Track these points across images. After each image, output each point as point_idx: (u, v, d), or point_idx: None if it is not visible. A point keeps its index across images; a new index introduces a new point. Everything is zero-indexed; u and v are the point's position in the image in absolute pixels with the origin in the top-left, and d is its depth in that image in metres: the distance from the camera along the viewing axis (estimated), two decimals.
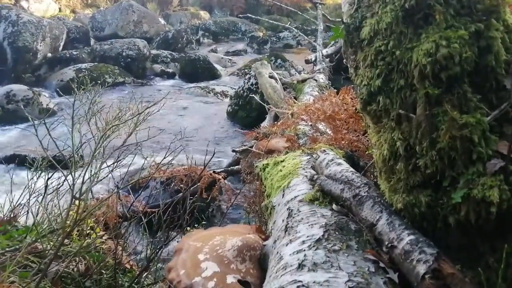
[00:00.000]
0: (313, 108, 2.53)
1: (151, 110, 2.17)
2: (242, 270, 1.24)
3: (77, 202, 1.66)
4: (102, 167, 1.86)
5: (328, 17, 8.56)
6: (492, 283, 0.88)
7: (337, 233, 1.10)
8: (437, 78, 0.92)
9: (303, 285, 0.91)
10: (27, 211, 2.01)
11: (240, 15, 14.44)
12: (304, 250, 1.05)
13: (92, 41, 11.07)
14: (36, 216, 1.84)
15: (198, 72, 8.90)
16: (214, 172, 3.00)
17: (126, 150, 2.09)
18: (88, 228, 2.00)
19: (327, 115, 2.36)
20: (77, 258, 1.67)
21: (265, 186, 1.78)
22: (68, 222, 1.69)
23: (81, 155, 1.93)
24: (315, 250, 1.04)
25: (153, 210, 2.17)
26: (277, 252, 1.15)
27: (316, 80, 4.85)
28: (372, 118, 1.11)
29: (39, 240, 1.60)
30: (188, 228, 2.20)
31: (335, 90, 3.27)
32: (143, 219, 2.05)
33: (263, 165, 1.89)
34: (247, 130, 3.34)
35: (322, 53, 6.28)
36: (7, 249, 1.58)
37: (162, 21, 12.85)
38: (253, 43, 12.49)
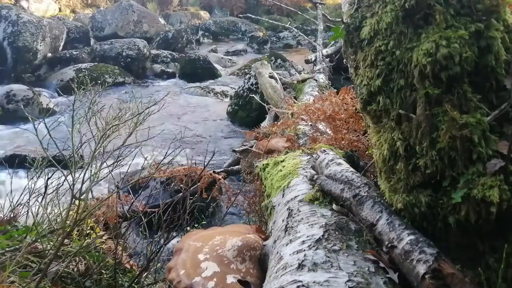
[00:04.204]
0: (313, 108, 2.53)
1: (151, 110, 2.17)
2: (242, 270, 1.24)
3: (77, 202, 1.66)
4: (102, 167, 1.86)
5: (328, 17, 8.56)
6: (492, 283, 0.88)
7: (337, 233, 1.10)
8: (437, 78, 0.92)
9: (303, 285, 0.91)
10: (27, 211, 2.01)
11: (240, 15, 14.44)
12: (304, 250, 1.05)
13: (92, 41, 11.07)
14: (36, 216, 1.84)
15: (198, 72, 8.90)
16: (214, 172, 3.00)
17: (126, 150, 2.09)
18: (88, 228, 2.00)
19: (327, 115, 2.36)
20: (77, 258, 1.67)
21: (265, 186, 1.78)
22: (68, 222, 1.69)
23: (81, 155, 1.93)
24: (315, 250, 1.04)
25: (153, 210, 2.17)
26: (277, 252, 1.15)
27: (316, 80, 4.85)
28: (372, 118, 1.11)
29: (39, 240, 1.60)
30: (188, 228, 2.20)
31: (335, 90, 3.27)
32: (143, 219, 2.05)
33: (263, 165, 1.88)
34: (247, 130, 3.34)
35: (322, 53, 6.28)
36: (7, 249, 1.58)
37: (162, 21, 12.85)
38: (253, 43, 12.49)
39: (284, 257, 1.08)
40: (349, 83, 2.14)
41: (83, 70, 8.07)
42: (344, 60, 1.27)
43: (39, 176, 2.08)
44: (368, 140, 1.97)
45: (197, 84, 8.27)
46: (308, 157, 1.77)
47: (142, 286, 1.85)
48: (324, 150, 1.64)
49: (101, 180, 1.82)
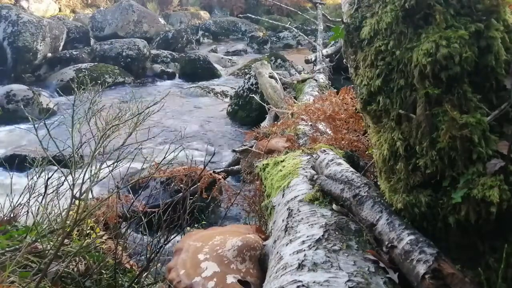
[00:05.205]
0: (313, 108, 2.53)
1: (151, 110, 2.17)
2: (242, 270, 1.24)
3: (77, 202, 1.66)
4: (102, 167, 1.86)
5: (328, 17, 8.55)
6: (492, 283, 0.88)
7: (337, 233, 1.10)
8: (437, 78, 0.92)
9: (303, 285, 0.91)
10: (27, 211, 2.01)
11: (240, 15, 14.44)
12: (304, 250, 1.05)
13: (92, 41, 11.07)
14: (36, 216, 1.84)
15: (198, 72, 8.90)
16: (214, 172, 3.00)
17: (126, 150, 2.08)
18: (88, 228, 2.00)
19: (327, 115, 2.36)
20: (77, 258, 1.67)
21: (265, 186, 1.78)
22: (68, 222, 1.69)
23: (81, 155, 1.93)
24: (315, 250, 1.04)
25: (153, 210, 2.16)
26: (277, 252, 1.15)
27: (316, 80, 4.85)
28: (372, 118, 1.11)
29: (39, 240, 1.60)
30: (188, 228, 2.20)
31: (335, 90, 3.27)
32: (143, 219, 2.05)
33: (263, 165, 1.88)
34: (247, 130, 3.34)
35: (322, 53, 6.28)
36: (7, 249, 1.58)
37: (162, 21, 12.84)
38: (253, 43, 12.49)
39: (284, 257, 1.08)
40: (349, 83, 2.14)
41: (83, 70, 8.06)
42: (344, 60, 1.27)
43: (39, 176, 2.08)
44: (368, 140, 1.97)
45: (197, 84, 8.27)
46: (308, 157, 1.77)
47: (142, 286, 1.85)
48: (324, 150, 1.65)
49: (101, 180, 1.82)
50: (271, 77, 4.34)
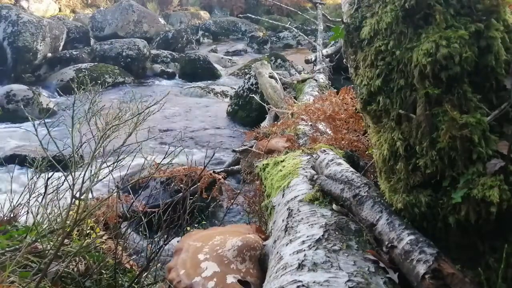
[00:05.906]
0: (313, 108, 2.53)
1: (151, 110, 2.17)
2: (242, 270, 1.24)
3: (77, 202, 1.66)
4: (102, 167, 1.86)
5: (328, 17, 8.55)
6: (492, 283, 0.88)
7: (337, 233, 1.10)
8: (437, 78, 0.92)
9: (303, 285, 0.91)
10: (27, 211, 2.01)
11: (240, 15, 14.44)
12: (304, 250, 1.05)
13: (92, 41, 11.07)
14: (36, 216, 1.83)
15: (198, 72, 8.91)
16: (214, 172, 3.00)
17: (126, 150, 2.08)
18: (88, 228, 2.00)
19: (327, 115, 2.36)
20: (77, 258, 1.67)
21: (265, 186, 1.78)
22: (68, 222, 1.69)
23: (81, 155, 1.93)
24: (315, 250, 1.04)
25: (153, 210, 2.17)
26: (277, 252, 1.15)
27: (316, 80, 4.85)
28: (372, 118, 1.11)
29: (39, 240, 1.60)
30: (188, 228, 2.20)
31: (335, 90, 3.27)
32: (143, 219, 2.05)
33: (263, 165, 1.88)
34: (247, 130, 3.34)
35: (322, 53, 6.28)
36: (7, 249, 1.58)
37: (162, 21, 12.85)
38: (253, 43, 12.50)
39: (284, 257, 1.08)
40: (349, 83, 2.14)
41: (83, 70, 8.07)
42: (344, 60, 1.27)
43: (39, 176, 2.08)
44: (368, 140, 1.97)
45: (197, 84, 8.27)
46: (308, 157, 1.77)
47: (142, 286, 1.85)
48: (324, 150, 1.65)
49: (101, 180, 1.82)
50: (271, 77, 4.34)
